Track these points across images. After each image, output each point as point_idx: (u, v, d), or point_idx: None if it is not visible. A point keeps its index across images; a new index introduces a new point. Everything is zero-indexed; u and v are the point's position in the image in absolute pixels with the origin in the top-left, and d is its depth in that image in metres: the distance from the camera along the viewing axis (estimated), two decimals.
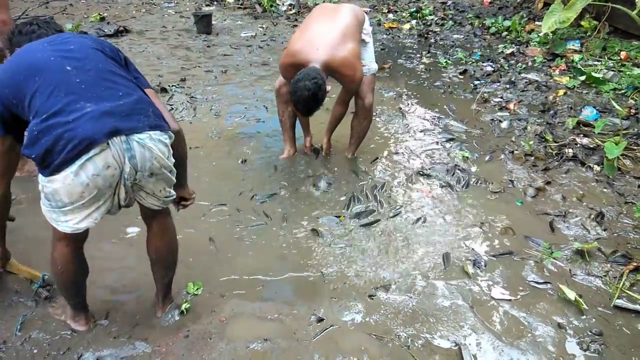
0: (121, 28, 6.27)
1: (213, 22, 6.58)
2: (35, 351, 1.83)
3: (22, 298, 2.07)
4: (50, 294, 2.06)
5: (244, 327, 1.96)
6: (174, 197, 1.79)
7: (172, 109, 4.05)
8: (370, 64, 3.01)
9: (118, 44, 5.83)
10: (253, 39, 6.25)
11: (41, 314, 2.00)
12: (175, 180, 1.73)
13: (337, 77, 2.75)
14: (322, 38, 2.71)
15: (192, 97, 4.33)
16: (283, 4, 7.89)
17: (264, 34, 6.43)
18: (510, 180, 3.04)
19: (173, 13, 7.53)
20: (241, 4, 8.00)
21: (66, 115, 1.45)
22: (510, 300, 2.11)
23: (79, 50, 1.63)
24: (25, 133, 1.56)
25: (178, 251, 1.96)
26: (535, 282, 2.22)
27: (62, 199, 1.50)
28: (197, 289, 2.13)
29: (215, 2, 8.16)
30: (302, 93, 2.53)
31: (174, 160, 1.68)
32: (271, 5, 7.66)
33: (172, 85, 4.53)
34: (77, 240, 1.70)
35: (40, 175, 1.52)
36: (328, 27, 2.76)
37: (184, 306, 2.01)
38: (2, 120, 1.62)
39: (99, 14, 6.94)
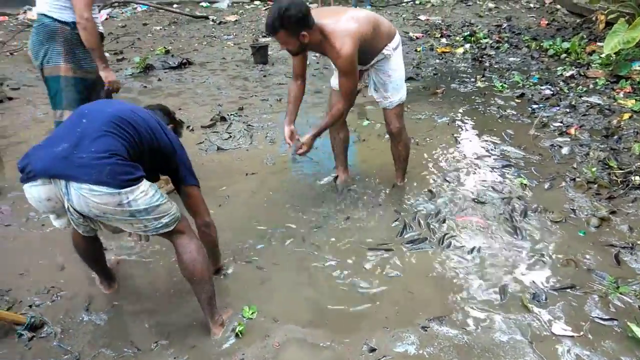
0: (184, 60, 6.67)
1: (269, 53, 6.85)
2: None
3: (93, 316, 2.23)
4: (37, 334, 2.11)
5: (296, 353, 2.00)
6: (163, 228, 1.87)
7: (230, 136, 4.24)
8: (392, 96, 2.91)
9: (182, 75, 6.21)
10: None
11: (109, 332, 2.14)
12: (158, 221, 1.84)
13: (326, 47, 2.60)
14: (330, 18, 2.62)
15: (249, 125, 4.51)
16: None
17: (317, 62, 6.61)
18: (572, 209, 2.92)
19: (232, 45, 7.92)
20: None
21: (42, 150, 1.76)
22: (572, 336, 2.02)
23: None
24: None
25: (207, 268, 2.00)
26: (600, 318, 2.11)
27: (34, 206, 1.83)
28: (252, 313, 2.19)
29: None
30: (274, 7, 2.42)
31: (138, 208, 1.76)
32: None
33: (231, 114, 4.75)
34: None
35: None
36: (338, 13, 2.67)
37: (238, 329, 2.08)
38: None
39: (164, 47, 7.42)
